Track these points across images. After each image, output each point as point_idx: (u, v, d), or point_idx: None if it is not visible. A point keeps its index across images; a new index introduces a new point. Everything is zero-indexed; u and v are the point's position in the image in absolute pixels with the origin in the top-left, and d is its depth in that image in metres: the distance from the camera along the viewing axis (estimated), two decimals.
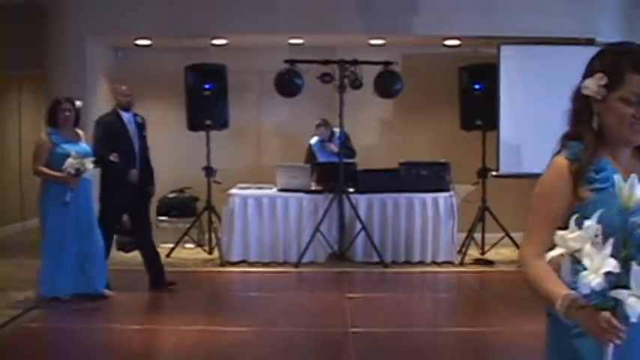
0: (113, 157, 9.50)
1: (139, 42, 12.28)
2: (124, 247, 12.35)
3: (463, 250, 11.67)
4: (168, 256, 11.81)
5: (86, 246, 9.09)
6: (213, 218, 11.95)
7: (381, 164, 11.87)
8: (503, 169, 11.29)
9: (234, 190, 11.55)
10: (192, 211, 12.62)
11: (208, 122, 11.73)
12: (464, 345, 7.68)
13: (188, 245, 12.32)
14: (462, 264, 11.37)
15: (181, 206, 12.74)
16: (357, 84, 11.58)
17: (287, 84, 11.63)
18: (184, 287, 10.18)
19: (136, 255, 11.99)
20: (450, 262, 11.37)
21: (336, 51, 12.40)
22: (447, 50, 12.55)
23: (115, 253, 12.11)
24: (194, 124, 11.87)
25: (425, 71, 12.81)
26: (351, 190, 11.46)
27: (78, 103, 9.28)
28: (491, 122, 11.39)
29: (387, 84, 11.76)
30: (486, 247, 11.89)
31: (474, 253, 11.81)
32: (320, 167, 11.85)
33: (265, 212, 11.35)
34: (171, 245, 12.03)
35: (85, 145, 9.15)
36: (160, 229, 12.67)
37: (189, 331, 7.90)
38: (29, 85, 14.89)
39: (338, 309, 8.85)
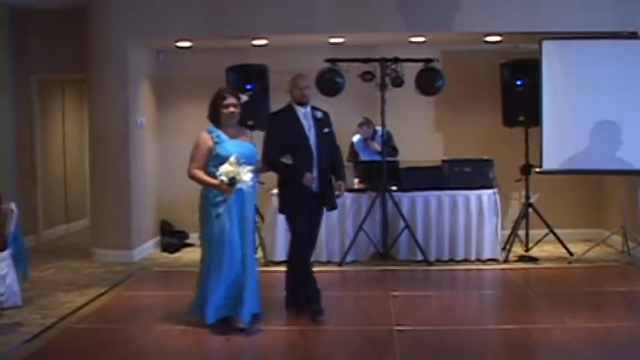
0: (286, 159, 8.44)
1: (180, 44, 12.32)
2: (167, 249, 12.47)
3: (507, 247, 11.61)
4: None
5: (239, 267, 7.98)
6: (257, 218, 11.95)
7: (423, 162, 11.84)
8: (547, 165, 11.21)
9: (277, 190, 11.55)
10: None
11: (250, 122, 11.69)
12: (509, 342, 7.63)
13: None
14: (506, 261, 11.32)
15: None
16: (398, 82, 11.56)
17: (328, 83, 11.62)
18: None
19: (180, 256, 12.10)
20: (495, 260, 11.32)
21: (376, 49, 12.38)
22: (488, 46, 12.48)
23: (159, 254, 12.23)
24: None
25: (466, 68, 12.77)
26: (394, 188, 11.44)
27: (243, 97, 8.43)
28: (533, 118, 11.32)
29: (428, 81, 11.73)
30: (530, 244, 11.83)
31: (518, 250, 11.75)
32: (362, 166, 11.84)
33: None
34: None
35: (250, 145, 8.15)
36: None
37: (234, 331, 7.90)
38: (72, 88, 15.02)
39: (382, 307, 8.83)
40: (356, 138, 12.28)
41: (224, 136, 8.01)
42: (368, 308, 8.83)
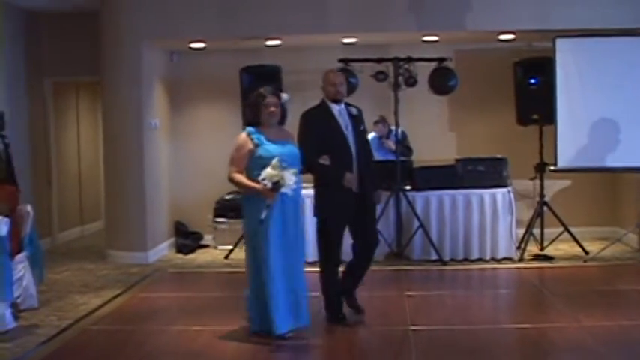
0: (323, 160, 7.93)
1: (193, 45, 12.34)
2: (182, 250, 12.49)
3: (522, 245, 11.60)
4: (226, 257, 11.91)
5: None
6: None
7: (437, 161, 11.83)
8: (561, 163, 11.18)
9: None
10: None
11: None
12: (525, 341, 7.62)
13: None
14: (521, 260, 11.30)
15: (239, 207, 12.67)
16: (411, 81, 11.56)
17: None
18: (243, 288, 10.21)
19: (195, 257, 12.12)
20: (509, 259, 11.30)
21: (389, 49, 12.38)
22: (502, 45, 12.46)
23: (173, 256, 12.26)
24: (250, 126, 11.88)
25: (479, 67, 12.75)
26: (408, 187, 11.43)
27: (284, 96, 7.96)
28: (547, 116, 11.30)
29: (441, 80, 11.74)
30: (545, 243, 11.81)
31: (533, 248, 11.73)
32: (376, 165, 11.81)
33: None
34: (229, 246, 12.11)
35: (293, 147, 7.71)
36: (217, 230, 12.77)
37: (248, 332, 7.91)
38: (86, 90, 15.06)
39: (397, 307, 8.83)
40: (370, 136, 12.25)
41: (264, 138, 7.57)
42: (383, 308, 8.83)
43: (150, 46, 12.08)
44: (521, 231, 11.80)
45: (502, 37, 12.09)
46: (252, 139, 7.57)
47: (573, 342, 7.42)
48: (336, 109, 8.14)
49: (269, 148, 7.49)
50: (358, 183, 8.02)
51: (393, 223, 11.40)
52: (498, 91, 12.50)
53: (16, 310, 8.39)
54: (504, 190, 11.34)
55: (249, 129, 7.69)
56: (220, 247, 12.60)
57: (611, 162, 11.04)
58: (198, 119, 13.28)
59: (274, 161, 7.25)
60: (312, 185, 8.35)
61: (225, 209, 12.82)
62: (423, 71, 11.63)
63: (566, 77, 11.13)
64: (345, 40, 12.25)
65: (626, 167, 11.15)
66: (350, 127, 8.10)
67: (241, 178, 7.54)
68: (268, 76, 11.85)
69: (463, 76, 11.90)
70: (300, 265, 7.75)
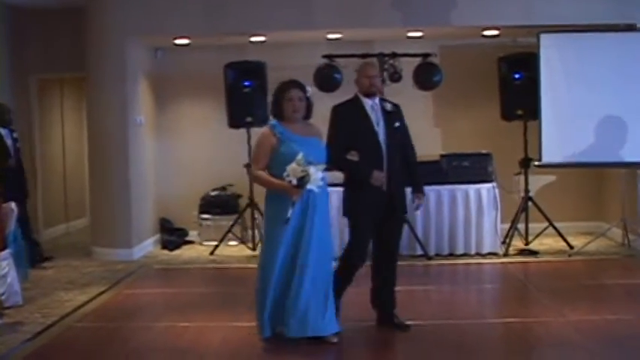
0: (351, 156, 7.52)
1: (178, 41, 12.32)
2: (167, 246, 12.49)
3: (507, 240, 11.63)
4: (212, 253, 11.92)
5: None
6: (256, 215, 11.99)
7: (422, 156, 11.80)
8: (546, 158, 11.21)
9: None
10: (235, 208, 12.69)
11: (249, 119, 11.75)
12: (510, 336, 7.64)
13: (231, 242, 12.39)
14: (506, 255, 11.33)
15: (224, 204, 12.81)
16: (396, 77, 11.59)
17: (326, 79, 11.65)
18: (229, 284, 10.23)
19: (180, 253, 12.12)
20: (494, 254, 11.33)
21: (374, 44, 12.40)
22: (486, 40, 12.48)
23: (158, 252, 12.24)
24: (235, 122, 11.90)
25: (464, 62, 12.77)
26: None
27: (309, 89, 7.50)
28: (532, 112, 11.32)
29: (426, 76, 11.77)
30: (530, 238, 11.85)
31: (517, 243, 11.76)
32: None
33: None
34: (214, 243, 12.12)
35: (319, 142, 7.35)
36: (203, 226, 12.77)
37: (235, 327, 7.92)
38: (71, 86, 15.03)
39: None
40: None
41: (289, 133, 7.18)
42: (368, 303, 8.82)
43: (134, 42, 12.05)
44: (506, 226, 11.83)
45: (486, 32, 12.11)
46: (274, 134, 7.20)
47: (558, 336, 7.45)
48: (369, 103, 7.70)
49: (293, 143, 7.10)
50: (387, 182, 7.52)
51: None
52: (483, 87, 12.52)
53: (1, 308, 8.38)
54: (489, 185, 11.36)
55: (272, 122, 7.37)
56: (206, 243, 12.60)
57: (596, 157, 11.06)
58: (182, 115, 13.26)
59: (299, 156, 6.88)
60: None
61: (210, 205, 12.82)
62: (408, 67, 11.66)
63: (550, 73, 11.14)
64: (330, 36, 12.26)
65: (610, 162, 11.18)
66: (382, 124, 7.62)
67: (265, 175, 7.23)
68: (253, 72, 11.90)
69: (448, 72, 11.93)
70: (312, 267, 7.12)
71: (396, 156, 7.66)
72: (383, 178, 7.47)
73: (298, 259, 7.10)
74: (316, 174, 6.94)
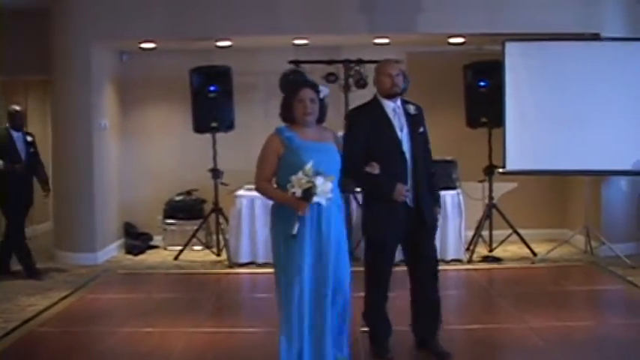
0: (370, 168, 6.68)
1: (144, 45, 12.28)
2: (132, 251, 12.44)
3: (471, 247, 11.67)
4: (176, 258, 11.88)
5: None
6: (221, 220, 11.97)
7: None
8: (510, 165, 11.26)
9: (241, 192, 11.53)
10: (200, 213, 12.66)
11: (214, 124, 11.73)
12: (473, 342, 7.66)
13: (196, 247, 12.35)
14: (470, 261, 11.37)
15: (189, 208, 12.77)
16: (362, 83, 11.60)
17: (292, 84, 11.64)
18: (193, 289, 10.20)
19: (144, 258, 12.07)
20: (458, 260, 11.36)
21: (340, 51, 12.41)
22: (452, 48, 12.53)
23: (122, 257, 12.19)
24: (200, 126, 11.86)
25: (430, 69, 12.80)
26: (358, 189, 11.44)
27: (324, 89, 6.64)
28: (497, 119, 11.36)
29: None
30: (494, 244, 11.90)
31: (481, 250, 11.82)
32: None
33: None
34: (179, 247, 12.08)
35: (333, 149, 6.44)
36: (167, 231, 12.72)
37: (198, 333, 7.91)
38: (36, 89, 14.92)
39: None
40: None
41: (297, 139, 6.31)
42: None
43: (100, 45, 11.99)
44: (471, 233, 11.88)
45: (453, 40, 12.16)
46: (281, 139, 6.36)
47: (521, 342, 7.49)
48: (390, 106, 6.91)
49: (301, 150, 6.24)
50: (414, 195, 6.74)
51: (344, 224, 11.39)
52: (449, 94, 12.55)
53: None
54: (454, 192, 11.39)
55: (280, 127, 6.50)
56: (170, 248, 12.56)
57: (559, 165, 11.12)
58: (148, 120, 13.21)
59: (307, 166, 6.01)
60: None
61: (174, 210, 12.78)
62: (374, 73, 11.67)
63: (515, 80, 11.19)
64: (296, 42, 12.26)
65: (573, 170, 11.24)
66: (406, 129, 6.82)
67: (267, 186, 6.41)
68: (218, 77, 11.87)
69: (414, 79, 11.83)
70: (329, 297, 6.32)
71: (422, 165, 6.88)
72: (407, 192, 6.66)
73: (317, 287, 6.28)
74: (324, 185, 6.02)
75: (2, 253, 10.89)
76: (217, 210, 11.97)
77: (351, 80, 11.58)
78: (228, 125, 11.89)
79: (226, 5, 11.50)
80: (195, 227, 12.17)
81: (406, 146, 6.77)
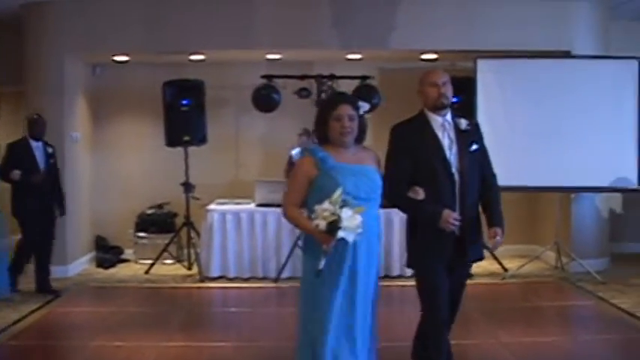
0: (413, 193, 5.85)
1: (117, 58, 12.26)
2: (103, 264, 12.38)
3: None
4: (147, 272, 11.82)
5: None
6: (192, 234, 11.93)
7: None
8: None
9: (212, 206, 11.54)
10: (171, 226, 12.62)
11: (186, 138, 11.71)
12: None
13: (167, 261, 12.30)
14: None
15: (160, 222, 12.73)
16: None
17: (264, 99, 11.66)
18: (164, 303, 10.16)
19: (115, 271, 12.02)
20: None
21: (313, 66, 12.45)
22: (425, 64, 12.57)
23: (93, 270, 12.13)
24: (172, 140, 11.84)
25: (403, 85, 12.79)
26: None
27: (364, 105, 5.89)
28: None
29: (364, 98, 11.78)
30: None
31: None
32: None
33: (244, 227, 11.33)
34: (150, 261, 12.03)
35: (372, 173, 5.69)
36: (138, 245, 12.68)
37: (169, 347, 7.89)
38: (8, 101, 14.85)
39: None
40: (295, 151, 12.32)
41: (331, 160, 5.52)
42: (294, 324, 8.84)
43: (73, 58, 11.96)
44: None
45: (425, 56, 12.21)
46: (314, 161, 5.56)
47: (491, 358, 7.51)
48: (438, 121, 6.03)
49: (335, 173, 5.48)
50: (461, 225, 5.85)
51: None
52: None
53: None
54: None
55: (313, 148, 5.70)
56: (141, 261, 12.51)
57: (531, 181, 11.16)
58: (120, 133, 13.18)
59: (336, 193, 5.25)
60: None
61: (146, 223, 12.74)
62: (346, 89, 11.66)
63: (487, 97, 11.25)
64: (269, 57, 12.28)
65: (545, 187, 11.30)
66: (455, 147, 5.93)
67: (295, 213, 5.63)
68: (191, 91, 11.87)
69: (386, 95, 11.99)
70: (364, 345, 5.90)
71: (474, 189, 6.03)
72: (455, 221, 5.76)
73: (348, 330, 5.72)
74: (352, 219, 5.22)
75: (17, 263, 10.64)
76: (189, 224, 11.94)
77: (323, 95, 11.59)
78: (200, 139, 11.88)
79: (200, 19, 11.50)
80: (167, 241, 12.13)
81: (455, 166, 5.87)
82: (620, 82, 11.17)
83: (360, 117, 5.74)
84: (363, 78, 11.86)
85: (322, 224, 5.20)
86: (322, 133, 5.66)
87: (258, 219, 11.33)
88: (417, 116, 6.14)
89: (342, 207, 5.20)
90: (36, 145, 10.52)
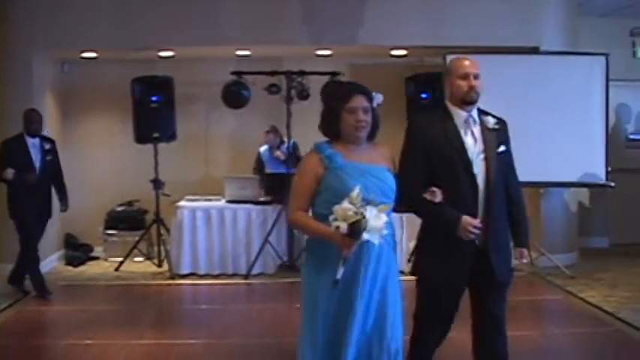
0: (430, 195, 5.21)
1: (86, 55, 12.20)
2: (72, 262, 12.32)
3: (412, 258, 11.70)
4: (117, 269, 11.77)
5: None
6: (162, 231, 11.89)
7: None
8: None
9: (182, 202, 11.52)
10: (141, 223, 12.58)
11: (156, 134, 11.66)
12: None
13: (137, 258, 12.25)
14: (412, 273, 11.39)
15: (130, 219, 12.69)
16: (304, 95, 11.61)
17: (234, 95, 11.63)
18: (134, 301, 10.13)
19: (85, 269, 11.96)
20: (401, 271, 11.34)
21: (283, 62, 12.43)
22: (394, 60, 12.61)
23: (63, 268, 12.06)
24: (141, 137, 11.79)
25: (372, 81, 12.65)
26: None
27: (377, 97, 5.39)
28: None
29: None
30: None
31: None
32: (268, 178, 11.85)
33: (214, 224, 11.32)
34: (120, 259, 11.98)
35: (385, 172, 5.06)
36: (108, 242, 12.62)
37: (138, 345, 7.87)
38: None
39: (288, 320, 8.81)
40: (263, 148, 12.33)
41: (340, 158, 4.97)
42: (274, 321, 8.84)
43: (41, 54, 11.89)
44: (413, 244, 11.91)
45: (395, 52, 12.24)
46: (321, 158, 5.01)
47: (461, 352, 7.52)
48: (462, 116, 5.42)
49: (345, 173, 4.91)
50: (484, 233, 5.25)
51: (285, 235, 11.40)
52: (391, 106, 12.46)
53: None
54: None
55: (320, 145, 5.14)
56: (111, 259, 12.46)
57: None
58: (89, 130, 13.13)
59: (354, 192, 4.63)
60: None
61: (115, 221, 12.70)
62: (316, 85, 11.68)
63: None
64: (239, 53, 12.27)
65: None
66: (481, 146, 5.33)
67: (303, 218, 5.00)
68: (160, 87, 11.83)
69: None
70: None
71: (500, 195, 5.38)
72: (476, 230, 5.16)
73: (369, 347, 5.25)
74: (377, 218, 4.61)
75: (18, 268, 10.52)
76: (159, 221, 11.90)
77: (293, 92, 11.57)
78: (169, 136, 11.84)
79: (169, 16, 11.47)
80: (137, 238, 12.09)
81: (478, 168, 5.26)
82: (588, 78, 11.25)
83: (373, 110, 5.24)
84: (333, 74, 11.83)
85: (344, 226, 4.53)
86: (332, 128, 5.14)
87: (228, 215, 11.33)
88: (438, 110, 5.55)
89: (365, 205, 4.60)
90: (32, 142, 10.23)
